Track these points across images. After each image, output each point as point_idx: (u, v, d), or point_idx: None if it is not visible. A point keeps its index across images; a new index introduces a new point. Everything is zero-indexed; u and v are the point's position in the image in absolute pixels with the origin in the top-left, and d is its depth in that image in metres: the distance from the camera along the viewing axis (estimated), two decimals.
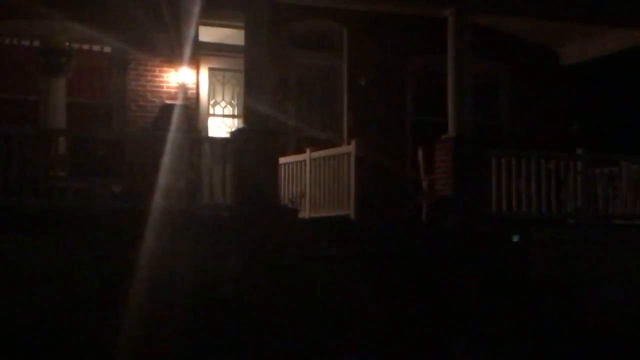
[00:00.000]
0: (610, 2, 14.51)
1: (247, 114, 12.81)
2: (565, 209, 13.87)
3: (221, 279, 11.19)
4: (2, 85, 14.20)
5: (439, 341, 11.40)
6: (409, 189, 14.52)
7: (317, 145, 14.41)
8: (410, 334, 11.25)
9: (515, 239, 12.92)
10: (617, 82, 17.80)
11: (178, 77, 14.81)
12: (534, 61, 17.09)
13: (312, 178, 13.94)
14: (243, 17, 12.80)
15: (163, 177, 11.75)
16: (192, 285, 10.82)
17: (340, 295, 11.45)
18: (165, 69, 14.95)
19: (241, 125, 13.54)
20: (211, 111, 15.72)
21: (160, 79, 14.98)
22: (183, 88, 14.81)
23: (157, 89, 14.95)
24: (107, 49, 14.73)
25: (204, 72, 15.52)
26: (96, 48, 14.67)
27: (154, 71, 14.97)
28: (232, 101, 15.74)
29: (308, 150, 14.11)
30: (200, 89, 15.43)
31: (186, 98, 14.72)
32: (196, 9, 13.41)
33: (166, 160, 11.88)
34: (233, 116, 15.66)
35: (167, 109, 14.16)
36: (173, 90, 14.90)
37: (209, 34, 15.13)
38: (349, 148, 13.41)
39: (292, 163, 14.19)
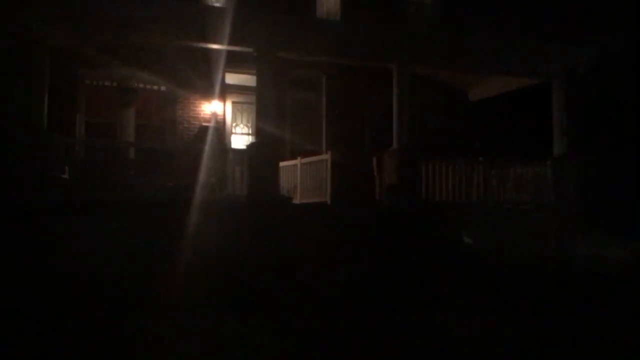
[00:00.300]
0: (494, 61, 14.60)
1: (258, 132, 12.92)
2: (470, 197, 13.84)
3: (240, 242, 11.28)
4: (93, 113, 14.24)
5: (391, 276, 11.42)
6: (367, 183, 14.22)
7: (305, 154, 14.39)
8: (368, 273, 11.28)
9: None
10: (505, 112, 17.36)
11: (211, 108, 14.93)
12: (451, 98, 17.01)
13: (301, 176, 14.05)
14: (255, 67, 12.93)
15: (201, 176, 11.98)
16: (220, 247, 10.97)
17: (318, 250, 11.46)
18: (202, 102, 15.01)
19: (253, 140, 13.37)
20: (233, 131, 15.70)
21: (199, 109, 15.07)
22: (214, 115, 14.89)
23: (196, 115, 15.06)
24: (163, 88, 14.75)
25: (229, 104, 15.55)
26: (155, 88, 14.73)
27: (194, 104, 15.03)
28: (248, 124, 15.69)
29: (299, 158, 14.20)
30: (226, 115, 15.51)
31: (216, 122, 14.76)
32: (223, 62, 13.70)
33: (203, 164, 12.08)
34: (248, 134, 15.49)
35: (203, 129, 14.29)
36: (207, 116, 14.95)
37: (232, 78, 15.15)
38: (326, 156, 13.55)
39: (288, 166, 14.19)
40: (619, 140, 18.42)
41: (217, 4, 15.08)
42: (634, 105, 19.92)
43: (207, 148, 12.52)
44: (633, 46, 19.89)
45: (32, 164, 11.12)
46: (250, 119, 15.36)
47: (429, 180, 13.52)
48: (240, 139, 15.55)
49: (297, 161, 14.18)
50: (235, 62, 13.73)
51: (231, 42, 12.33)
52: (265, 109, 12.87)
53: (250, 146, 13.08)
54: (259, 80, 12.91)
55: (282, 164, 13.52)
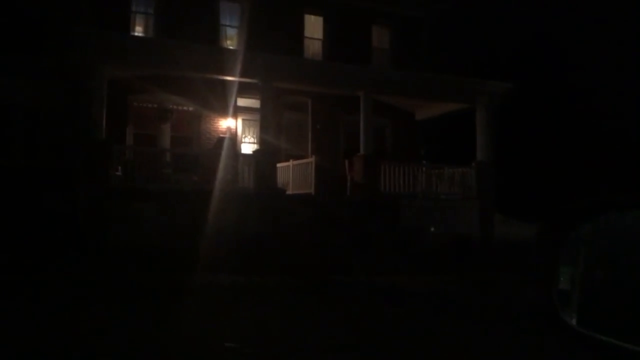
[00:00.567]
0: (434, 92, 14.66)
1: (261, 142, 13.12)
2: (417, 190, 13.84)
3: (248, 222, 11.51)
4: (140, 127, 14.18)
5: (355, 247, 11.66)
6: (341, 179, 14.13)
7: (295, 157, 14.24)
8: (340, 245, 11.57)
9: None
10: (443, 128, 17.45)
11: (226, 123, 14.82)
12: (402, 118, 16.72)
13: (293, 174, 13.95)
14: (259, 94, 13.14)
15: (219, 173, 12.05)
16: (234, 225, 11.12)
17: (304, 227, 11.83)
18: (220, 119, 14.88)
19: (258, 148, 13.42)
20: (243, 140, 15.47)
21: (217, 124, 14.98)
22: (229, 129, 14.77)
23: (215, 129, 14.95)
24: (191, 109, 14.62)
25: (240, 121, 15.38)
26: (185, 108, 14.61)
27: (214, 120, 14.94)
28: (253, 136, 15.34)
29: (291, 160, 14.13)
30: (238, 129, 15.35)
31: (230, 134, 14.58)
32: (235, 89, 13.37)
33: (221, 164, 12.17)
34: (254, 143, 15.16)
35: (221, 139, 14.19)
36: (223, 130, 14.83)
37: (242, 102, 14.82)
38: (312, 159, 13.56)
39: (283, 166, 14.00)
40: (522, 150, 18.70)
41: (231, 47, 15.20)
42: (535, 126, 20.46)
43: (223, 153, 12.61)
44: (535, 84, 20.44)
45: (94, 164, 11.39)
46: (255, 132, 15.17)
47: (386, 178, 13.64)
48: (248, 146, 15.35)
49: (290, 163, 14.14)
50: (244, 89, 13.57)
51: (241, 75, 12.48)
52: (266, 124, 13.04)
53: (255, 152, 13.31)
54: (262, 103, 13.15)
55: (279, 165, 13.50)
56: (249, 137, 15.61)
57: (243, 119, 15.52)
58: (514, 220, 15.29)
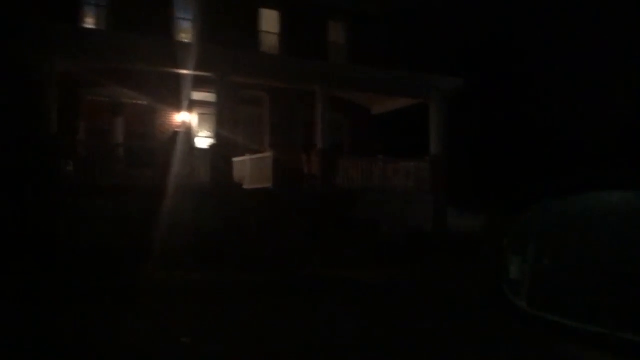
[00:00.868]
0: (389, 87, 14.76)
1: (217, 136, 12.98)
2: (372, 183, 13.91)
3: (204, 217, 11.41)
4: (93, 121, 13.88)
5: (309, 240, 11.70)
6: (298, 174, 14.05)
7: (253, 152, 14.18)
8: (295, 238, 11.66)
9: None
10: (398, 123, 17.77)
11: (181, 117, 14.48)
12: (359, 113, 16.81)
13: (250, 168, 13.85)
14: (215, 88, 13.05)
15: (175, 168, 11.90)
16: (190, 221, 11.16)
17: (261, 221, 11.89)
18: (175, 113, 14.57)
19: (214, 142, 13.15)
20: (199, 135, 15.06)
21: (172, 118, 14.71)
22: (184, 123, 14.40)
23: (170, 123, 14.68)
24: (145, 103, 14.23)
25: (195, 115, 14.97)
26: (139, 102, 14.19)
27: (169, 114, 14.69)
28: (210, 130, 14.67)
29: (248, 155, 14.05)
30: (194, 123, 14.96)
31: (185, 128, 14.15)
32: (190, 83, 13.31)
33: (176, 159, 12.03)
34: (210, 137, 14.46)
35: (176, 134, 13.60)
36: (178, 124, 14.48)
37: (198, 96, 14.43)
38: (269, 154, 13.60)
39: (240, 161, 13.83)
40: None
41: (186, 40, 14.93)
42: (487, 121, 20.94)
43: (179, 148, 12.37)
44: (489, 79, 20.92)
45: (44, 159, 11.06)
46: (212, 126, 14.72)
47: (343, 172, 13.79)
48: (204, 141, 15.04)
49: (247, 157, 14.07)
50: (200, 83, 13.36)
51: (196, 69, 12.38)
52: (223, 118, 12.97)
53: (211, 146, 13.18)
54: (218, 98, 13.04)
55: (235, 159, 13.42)
56: (205, 131, 15.37)
57: (199, 113, 15.30)
58: (466, 213, 15.59)
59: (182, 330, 5.80)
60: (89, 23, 14.35)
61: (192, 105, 14.70)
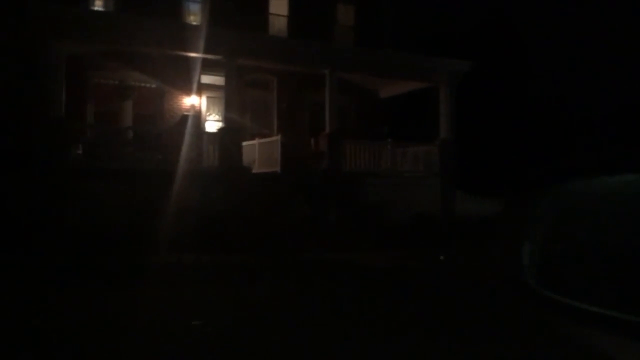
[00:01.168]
0: (398, 70, 14.63)
1: (226, 120, 12.94)
2: (381, 168, 14.01)
3: (212, 201, 11.47)
4: (101, 104, 13.89)
5: (316, 226, 11.76)
6: (306, 158, 14.08)
7: (261, 136, 14.21)
8: (303, 223, 11.73)
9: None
10: (407, 106, 17.67)
11: (190, 101, 14.62)
12: (367, 96, 16.75)
13: (259, 152, 13.87)
14: (223, 71, 13.00)
15: (183, 152, 11.84)
16: (198, 204, 11.22)
17: (270, 205, 11.87)
18: (184, 96, 14.64)
19: (223, 126, 13.12)
20: (207, 118, 15.21)
21: (181, 101, 14.73)
22: (193, 106, 14.52)
23: (179, 106, 14.69)
24: (153, 86, 14.32)
25: (204, 98, 15.14)
26: (148, 85, 14.27)
27: (178, 97, 14.70)
28: (218, 113, 14.85)
29: (257, 139, 14.03)
30: (202, 107, 15.15)
31: (194, 111, 14.29)
32: (199, 66, 13.25)
33: (185, 143, 11.94)
34: (219, 121, 14.58)
35: (184, 117, 13.54)
36: (187, 107, 14.57)
37: (206, 79, 14.67)
38: (277, 138, 13.54)
39: (249, 145, 13.81)
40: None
41: (195, 23, 14.83)
42: (497, 104, 20.72)
43: (187, 131, 12.32)
44: (499, 62, 20.69)
45: (53, 141, 11.07)
46: (220, 109, 14.76)
47: (351, 156, 13.72)
48: (213, 124, 15.09)
49: (256, 141, 14.06)
50: (208, 66, 13.36)
51: (205, 51, 12.30)
52: (231, 102, 12.91)
53: (220, 130, 13.14)
54: (226, 81, 12.98)
55: (244, 143, 13.42)
56: (213, 115, 15.31)
57: (207, 97, 15.27)
58: (474, 197, 15.59)
59: (192, 312, 5.84)
60: (97, 5, 14.30)
61: (201, 89, 14.76)
